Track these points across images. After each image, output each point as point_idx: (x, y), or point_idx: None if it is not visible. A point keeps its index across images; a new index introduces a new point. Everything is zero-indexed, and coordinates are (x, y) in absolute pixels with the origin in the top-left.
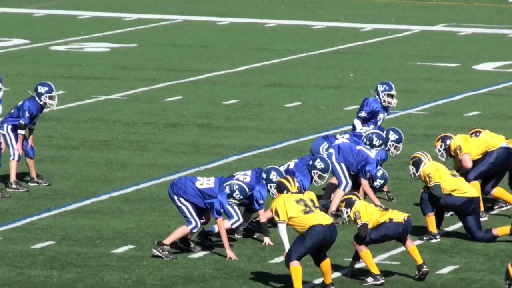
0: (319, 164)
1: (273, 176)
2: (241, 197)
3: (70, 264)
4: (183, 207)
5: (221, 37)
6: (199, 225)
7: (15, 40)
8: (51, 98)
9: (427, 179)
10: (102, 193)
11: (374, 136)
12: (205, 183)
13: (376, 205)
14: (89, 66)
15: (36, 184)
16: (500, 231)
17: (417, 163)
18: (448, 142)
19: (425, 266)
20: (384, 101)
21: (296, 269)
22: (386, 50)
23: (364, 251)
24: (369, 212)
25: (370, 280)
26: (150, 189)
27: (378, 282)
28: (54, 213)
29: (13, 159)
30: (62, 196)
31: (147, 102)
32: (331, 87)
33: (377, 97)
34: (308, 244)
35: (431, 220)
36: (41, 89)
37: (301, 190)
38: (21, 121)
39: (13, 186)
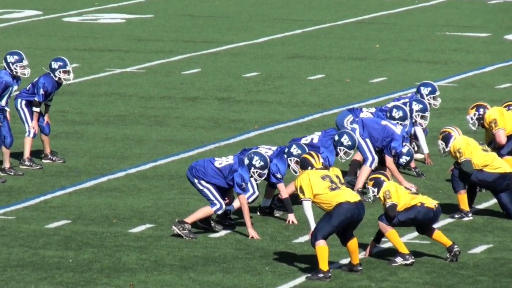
0: (345, 140)
1: (295, 149)
2: (262, 163)
3: (85, 244)
4: (205, 190)
5: (240, 7)
6: (223, 206)
7: (27, 11)
8: (66, 72)
9: (457, 154)
10: (118, 170)
11: (394, 108)
12: (224, 161)
13: (406, 188)
14: (104, 38)
15: (50, 161)
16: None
17: (446, 138)
18: (481, 111)
19: (456, 247)
20: (429, 104)
21: (322, 249)
22: (413, 20)
23: (390, 231)
24: (399, 194)
25: (399, 260)
26: (168, 165)
27: (407, 262)
28: (68, 191)
29: (28, 135)
30: (77, 173)
31: (164, 75)
32: (356, 59)
33: (418, 97)
34: (335, 223)
35: (462, 198)
36: (55, 65)
37: (326, 166)
38: (36, 99)
39: (26, 163)
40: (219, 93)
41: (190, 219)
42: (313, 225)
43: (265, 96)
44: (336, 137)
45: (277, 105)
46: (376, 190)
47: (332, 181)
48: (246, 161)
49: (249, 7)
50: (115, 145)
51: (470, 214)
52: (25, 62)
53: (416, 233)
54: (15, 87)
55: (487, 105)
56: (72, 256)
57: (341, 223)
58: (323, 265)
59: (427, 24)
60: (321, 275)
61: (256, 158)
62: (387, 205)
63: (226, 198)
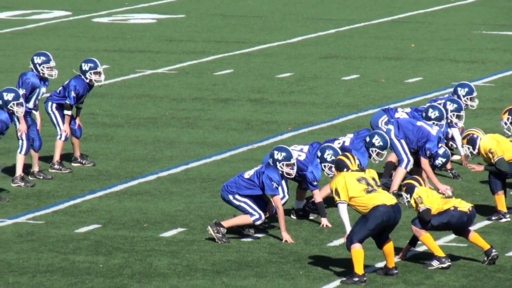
0: (377, 141)
1: (328, 155)
2: (284, 154)
3: (116, 249)
4: (242, 204)
5: (273, 6)
6: (263, 217)
7: (56, 12)
8: (97, 74)
9: (490, 155)
10: (149, 173)
11: (430, 108)
12: (252, 171)
13: (439, 193)
14: (134, 38)
15: (79, 164)
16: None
17: (471, 141)
18: None
19: (493, 251)
20: (466, 105)
21: (358, 252)
22: (449, 19)
23: (424, 234)
24: (431, 198)
25: (435, 263)
26: (200, 168)
27: (444, 265)
28: (98, 195)
29: (59, 138)
30: (107, 177)
31: (196, 76)
32: (391, 59)
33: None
34: (371, 226)
35: (500, 199)
36: (85, 66)
37: (362, 168)
38: (67, 101)
39: (56, 166)
40: (251, 94)
41: (227, 223)
42: (348, 228)
43: (299, 97)
44: (368, 139)
45: (311, 106)
46: (409, 196)
47: (368, 184)
48: (270, 160)
49: (282, 6)
50: (146, 147)
51: (508, 216)
52: (52, 64)
53: (452, 236)
54: (43, 89)
55: None
56: (102, 261)
57: (377, 226)
58: (359, 268)
59: (463, 23)
60: (356, 279)
61: (276, 152)
62: (421, 210)
63: (266, 212)
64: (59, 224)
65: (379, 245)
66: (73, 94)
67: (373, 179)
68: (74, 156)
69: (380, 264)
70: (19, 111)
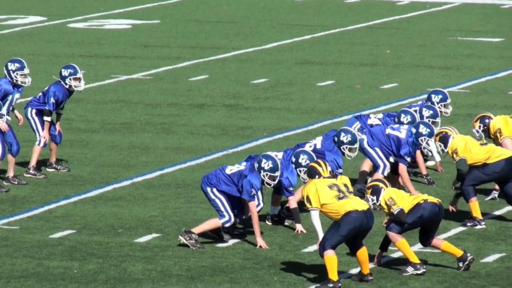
0: (345, 138)
1: (303, 160)
2: (271, 165)
3: (90, 255)
4: (217, 200)
5: (248, 12)
6: (232, 219)
7: (31, 17)
8: (76, 80)
9: (454, 155)
10: (124, 178)
11: (402, 113)
12: (235, 168)
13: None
14: (109, 44)
15: (54, 170)
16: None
17: (443, 138)
18: (487, 122)
19: (468, 255)
20: (440, 112)
21: (331, 259)
22: (424, 25)
23: (400, 240)
24: (400, 197)
25: (410, 269)
26: (175, 174)
27: (419, 272)
28: (73, 201)
29: (38, 144)
30: (82, 182)
31: (171, 81)
32: (366, 65)
33: (429, 103)
34: (343, 232)
35: (474, 206)
36: (65, 72)
37: (334, 174)
38: (47, 108)
39: (31, 171)
40: (227, 100)
41: (197, 229)
42: (321, 234)
43: (274, 102)
44: (335, 138)
45: (286, 112)
46: (375, 198)
47: (339, 190)
48: (256, 165)
49: (258, 12)
50: (121, 153)
51: (483, 222)
52: (26, 71)
53: None
54: (17, 95)
55: (491, 115)
56: (77, 267)
57: (349, 232)
58: (333, 275)
59: (438, 29)
60: (331, 285)
61: (264, 160)
62: (395, 212)
63: (243, 214)
64: (33, 229)
65: (352, 252)
66: (52, 100)
67: (345, 185)
68: (49, 161)
69: (355, 270)
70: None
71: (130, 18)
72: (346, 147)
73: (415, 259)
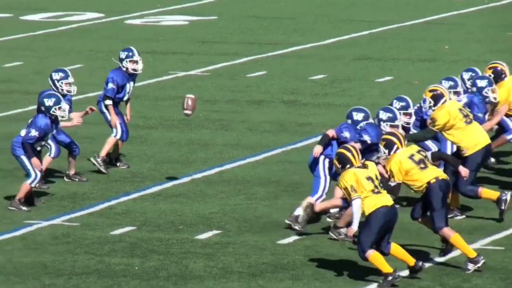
0: (384, 115)
1: (384, 115)
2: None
3: (151, 251)
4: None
5: (307, 8)
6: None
7: (88, 13)
8: (133, 62)
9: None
10: (184, 175)
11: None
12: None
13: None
14: (167, 40)
15: (114, 166)
16: (486, 193)
17: (436, 97)
18: (499, 69)
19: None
20: (487, 97)
21: (375, 256)
22: (483, 20)
23: (453, 235)
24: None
25: (470, 266)
26: (234, 170)
27: (479, 265)
28: (133, 197)
29: (114, 136)
30: (142, 179)
31: (229, 78)
32: (425, 60)
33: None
34: (375, 229)
35: (485, 193)
36: (122, 55)
37: (364, 164)
38: (104, 93)
39: (99, 160)
40: (285, 96)
41: (342, 222)
42: (357, 224)
43: (332, 99)
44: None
45: (344, 108)
46: (387, 151)
47: (374, 183)
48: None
49: (316, 8)
50: (180, 149)
51: (463, 214)
52: (70, 79)
53: (489, 239)
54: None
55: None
56: (138, 264)
57: (381, 229)
58: (385, 268)
59: (497, 25)
60: (390, 277)
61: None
62: (392, 183)
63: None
64: (94, 226)
65: (385, 252)
66: (111, 85)
67: (376, 176)
68: (111, 156)
69: (403, 273)
70: (61, 115)
71: (187, 14)
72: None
73: (472, 253)
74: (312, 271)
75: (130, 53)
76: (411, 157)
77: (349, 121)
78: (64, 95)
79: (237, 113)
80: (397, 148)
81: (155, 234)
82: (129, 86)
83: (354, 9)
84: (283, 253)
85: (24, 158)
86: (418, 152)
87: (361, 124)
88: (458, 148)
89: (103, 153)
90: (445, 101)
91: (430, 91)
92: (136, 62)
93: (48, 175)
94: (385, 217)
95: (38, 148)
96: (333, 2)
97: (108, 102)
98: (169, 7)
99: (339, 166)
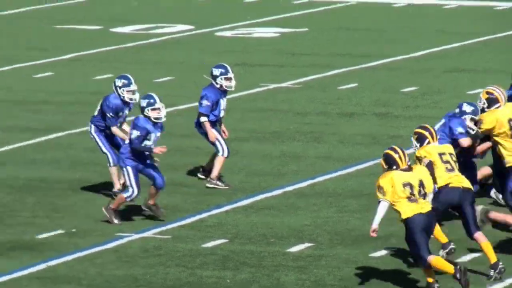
0: (467, 108)
1: (467, 107)
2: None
3: (243, 264)
4: None
5: (397, 20)
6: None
7: (179, 26)
8: (227, 79)
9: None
10: (275, 187)
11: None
12: None
13: None
14: (257, 52)
15: (205, 178)
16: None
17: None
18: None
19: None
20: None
21: (436, 261)
22: None
23: (484, 241)
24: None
25: (491, 272)
26: (325, 183)
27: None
28: (225, 210)
29: (221, 154)
30: (233, 191)
31: (320, 90)
32: None
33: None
34: (417, 238)
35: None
36: (216, 71)
37: (410, 166)
38: (200, 111)
39: (214, 182)
40: (376, 108)
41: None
42: (377, 223)
43: (424, 111)
44: (457, 110)
45: (436, 120)
46: (418, 145)
47: (412, 191)
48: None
49: (406, 19)
50: (271, 162)
51: None
52: (133, 87)
53: None
54: (126, 111)
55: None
56: (230, 276)
57: (421, 235)
58: (449, 268)
59: None
60: (458, 275)
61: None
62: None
63: None
64: (186, 238)
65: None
66: (205, 102)
67: (420, 182)
68: (205, 168)
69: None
70: (153, 115)
71: (277, 26)
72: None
73: (493, 258)
74: (405, 284)
75: (224, 70)
76: (440, 155)
77: (457, 110)
78: (126, 103)
79: (328, 126)
80: (428, 142)
81: (247, 246)
82: (223, 102)
83: (445, 21)
84: (375, 266)
85: (130, 169)
86: (450, 154)
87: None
88: (501, 157)
89: (214, 174)
90: (499, 106)
91: (487, 93)
92: (230, 79)
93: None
94: (420, 224)
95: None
96: (424, 14)
97: (204, 119)
98: (259, 19)
99: (385, 166)
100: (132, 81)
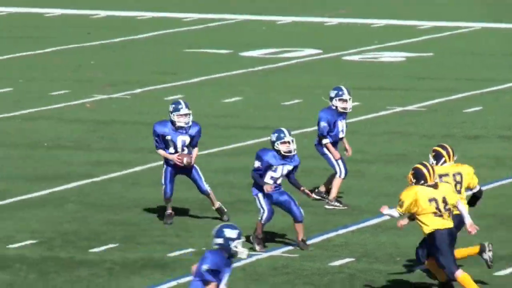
0: None
1: None
2: None
3: (371, 282)
4: None
5: None
6: None
7: (307, 50)
8: (343, 101)
9: None
10: None
11: None
12: None
13: None
14: (384, 76)
15: (322, 199)
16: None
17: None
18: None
19: (485, 243)
20: None
21: (464, 278)
22: None
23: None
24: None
25: None
26: None
27: None
28: (351, 229)
29: (339, 176)
30: (360, 212)
31: (445, 113)
32: None
33: None
34: (444, 251)
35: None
36: (332, 93)
37: (436, 183)
38: (319, 133)
39: (333, 203)
40: (501, 132)
41: None
42: (388, 211)
43: None
44: None
45: None
46: (435, 162)
47: (437, 206)
48: None
49: None
50: (397, 184)
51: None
52: (183, 111)
53: None
54: (182, 137)
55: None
56: None
57: (447, 247)
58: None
59: None
60: None
61: None
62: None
63: None
64: (313, 257)
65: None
66: (323, 124)
67: (444, 199)
68: (319, 189)
69: None
70: (283, 149)
71: (404, 50)
72: None
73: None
74: None
75: (340, 92)
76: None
77: None
78: (177, 128)
79: (454, 148)
80: (445, 161)
81: (374, 265)
82: (342, 124)
83: None
84: (500, 285)
85: (259, 196)
86: (454, 174)
87: None
88: None
89: (333, 196)
90: None
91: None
92: (346, 100)
93: None
94: (447, 239)
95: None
96: None
97: (325, 140)
98: (386, 44)
99: (413, 180)
100: (183, 105)
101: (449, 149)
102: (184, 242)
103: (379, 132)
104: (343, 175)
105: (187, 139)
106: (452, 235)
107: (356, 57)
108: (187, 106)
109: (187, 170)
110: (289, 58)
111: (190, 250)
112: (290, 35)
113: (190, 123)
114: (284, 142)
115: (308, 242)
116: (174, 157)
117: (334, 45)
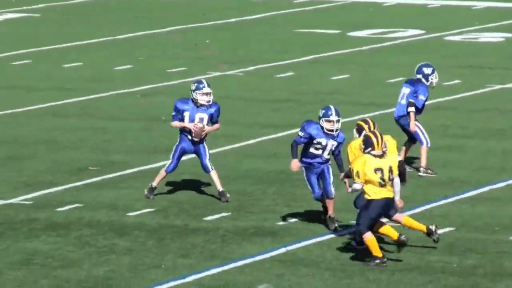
0: None
1: None
2: None
3: (469, 250)
4: None
5: None
6: None
7: (411, 30)
8: (435, 77)
9: None
10: (499, 180)
11: None
12: None
13: None
14: (484, 56)
15: (426, 174)
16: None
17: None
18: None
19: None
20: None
21: (371, 241)
22: None
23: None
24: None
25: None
26: None
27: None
28: (451, 200)
29: (426, 145)
30: (459, 184)
31: None
32: None
33: None
34: (373, 215)
35: None
36: (427, 70)
37: (384, 152)
38: (413, 101)
39: (424, 170)
40: None
41: None
42: (351, 188)
43: None
44: None
45: None
46: (357, 135)
47: (382, 177)
48: None
49: None
50: (495, 158)
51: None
52: (205, 90)
53: None
54: (201, 114)
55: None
56: (456, 261)
57: (378, 216)
58: (377, 252)
59: None
60: (378, 261)
61: None
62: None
63: None
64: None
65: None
66: (422, 97)
67: (390, 168)
68: (421, 164)
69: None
70: (326, 127)
71: (503, 31)
72: None
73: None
74: None
75: (432, 70)
76: None
77: None
78: (198, 106)
79: None
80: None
81: (472, 234)
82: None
83: None
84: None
85: (304, 174)
86: None
87: None
88: None
89: (424, 163)
90: None
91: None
92: (434, 76)
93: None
94: (383, 208)
95: None
96: None
97: (411, 109)
98: (486, 25)
99: (362, 146)
100: (205, 84)
101: (371, 123)
102: (293, 212)
103: (479, 109)
104: (429, 144)
105: (205, 117)
106: (388, 205)
107: (457, 37)
108: (208, 86)
109: (196, 147)
110: (394, 38)
111: (298, 219)
112: (395, 16)
113: (211, 102)
114: (329, 121)
115: (411, 212)
116: (190, 125)
117: (436, 25)
